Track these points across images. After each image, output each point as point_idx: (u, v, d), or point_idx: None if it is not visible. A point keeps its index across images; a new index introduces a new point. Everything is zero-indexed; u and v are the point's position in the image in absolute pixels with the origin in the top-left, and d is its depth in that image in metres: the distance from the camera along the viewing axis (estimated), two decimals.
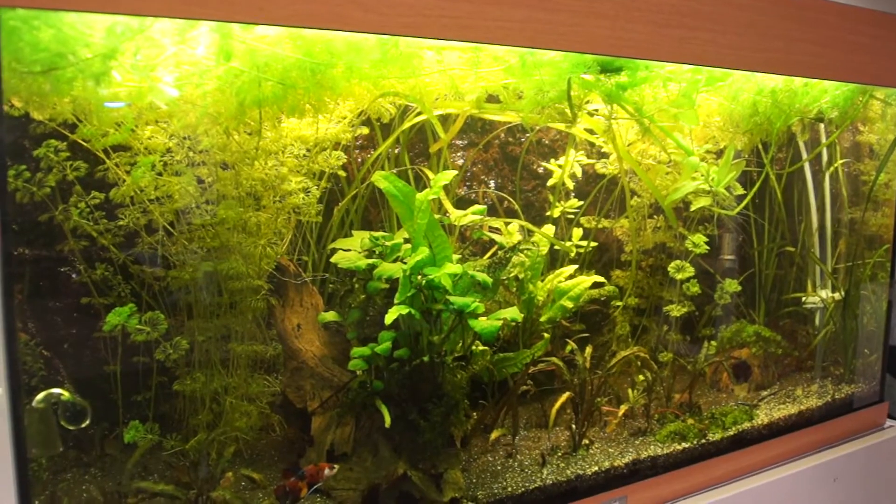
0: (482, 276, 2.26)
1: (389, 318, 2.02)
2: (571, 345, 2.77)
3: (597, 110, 2.72)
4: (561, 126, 2.68)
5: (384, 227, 2.70)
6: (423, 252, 2.12)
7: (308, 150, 2.33)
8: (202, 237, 2.19)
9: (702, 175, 2.89)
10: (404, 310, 2.06)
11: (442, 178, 2.17)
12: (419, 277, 2.14)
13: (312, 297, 2.37)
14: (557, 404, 2.59)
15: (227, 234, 2.19)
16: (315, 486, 2.01)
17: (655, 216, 3.21)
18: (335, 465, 2.04)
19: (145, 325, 1.98)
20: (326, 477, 2.03)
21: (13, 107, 1.84)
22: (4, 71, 1.45)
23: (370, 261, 2.20)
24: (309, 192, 2.27)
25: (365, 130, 2.50)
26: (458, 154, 2.95)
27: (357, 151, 2.69)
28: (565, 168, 3.02)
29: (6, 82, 1.49)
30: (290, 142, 2.28)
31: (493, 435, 2.44)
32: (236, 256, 2.20)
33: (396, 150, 2.73)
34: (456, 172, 2.24)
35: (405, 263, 2.16)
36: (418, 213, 2.15)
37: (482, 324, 2.14)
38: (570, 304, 2.81)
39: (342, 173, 2.54)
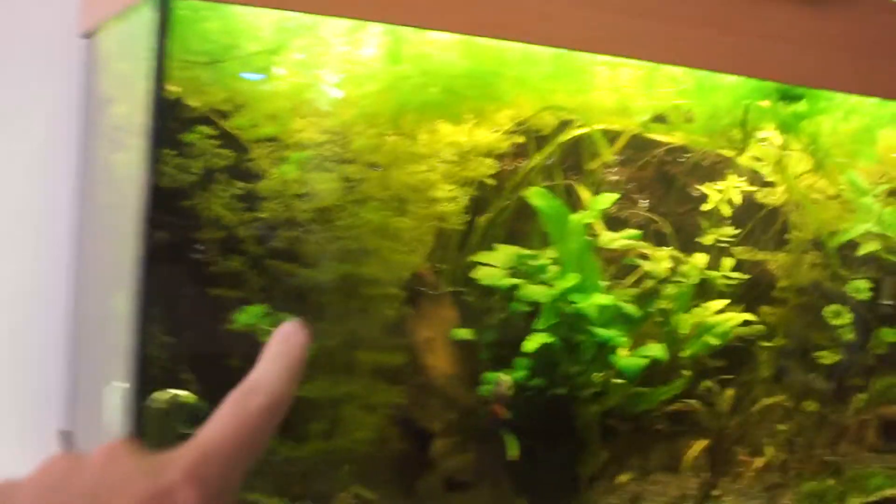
0: (630, 308, 2.10)
1: (530, 346, 1.89)
2: (710, 385, 2.58)
3: (766, 138, 2.51)
4: (730, 153, 2.48)
5: (529, 242, 2.56)
6: (574, 279, 1.98)
7: (461, 158, 2.22)
8: (342, 237, 2.12)
9: (874, 217, 2.65)
10: (548, 339, 1.92)
11: (602, 203, 2.02)
12: (565, 304, 2.00)
13: (447, 310, 2.26)
14: (694, 451, 2.41)
15: (367, 236, 2.10)
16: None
17: (813, 252, 2.96)
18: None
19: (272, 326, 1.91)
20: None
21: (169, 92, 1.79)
22: (171, 59, 1.39)
23: (514, 280, 2.07)
24: (456, 200, 2.16)
25: (520, 139, 2.36)
26: (613, 170, 2.79)
27: (507, 160, 2.56)
28: (725, 193, 2.81)
29: (172, 70, 1.43)
30: (442, 147, 2.17)
31: (621, 478, 2.28)
32: (375, 260, 2.11)
33: (549, 162, 2.59)
34: (617, 195, 2.09)
35: (551, 287, 2.03)
36: (572, 235, 2.00)
37: (626, 360, 1.99)
38: (715, 342, 2.61)
39: (491, 182, 2.41)
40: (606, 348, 2.01)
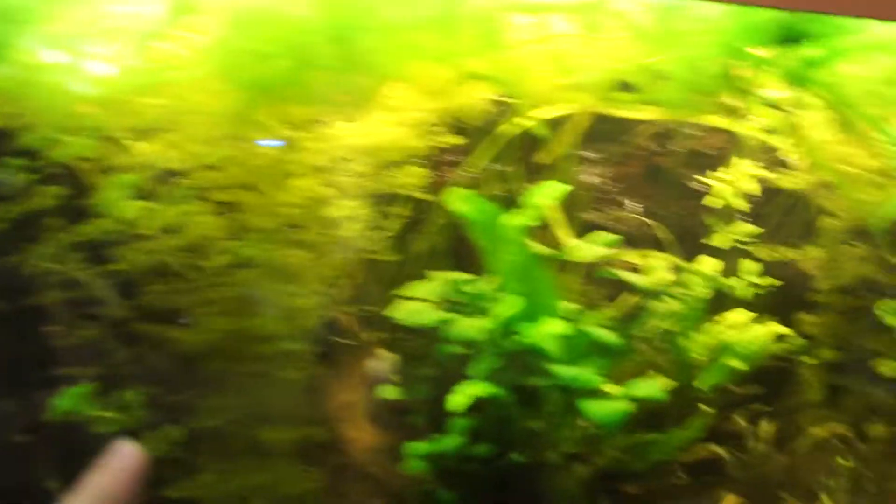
0: (604, 335, 1.57)
1: (456, 403, 1.37)
2: (740, 421, 2.03)
3: (770, 98, 1.98)
4: (725, 123, 1.94)
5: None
6: (516, 305, 1.46)
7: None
8: (216, 283, 1.63)
9: None
10: (483, 389, 1.40)
11: (542, 195, 1.50)
12: (510, 339, 1.49)
13: (375, 363, 1.75)
14: None
15: (251, 278, 1.62)
16: None
17: (856, 242, 2.39)
18: None
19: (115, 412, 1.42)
20: None
21: None
22: None
23: (443, 316, 1.56)
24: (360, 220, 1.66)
25: (455, 140, 1.86)
26: (587, 168, 2.27)
27: (442, 165, 2.06)
28: (732, 182, 2.27)
29: None
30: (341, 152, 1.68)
31: None
32: (266, 309, 1.63)
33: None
34: (567, 187, 1.56)
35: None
36: (507, 245, 1.48)
37: (601, 407, 1.46)
38: (739, 364, 2.06)
39: (427, 196, 1.91)
40: (575, 394, 1.48)
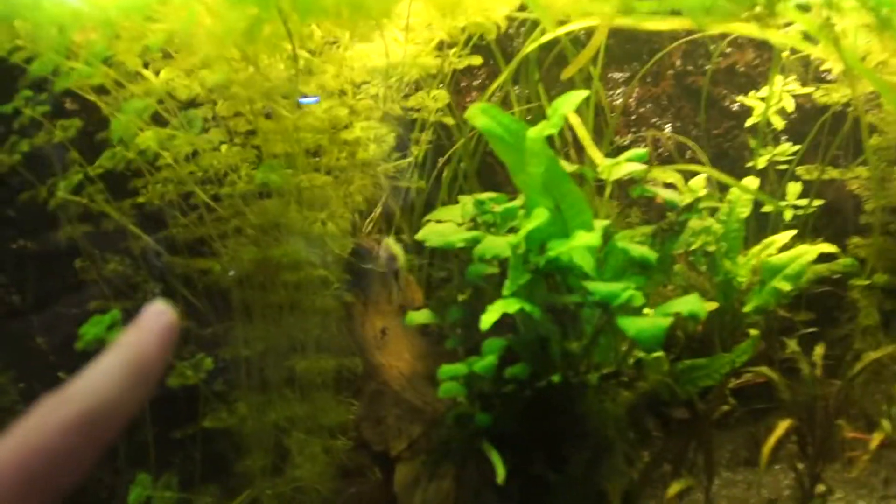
0: (640, 251, 1.50)
1: (487, 321, 1.31)
2: (792, 345, 1.94)
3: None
4: (750, 31, 1.83)
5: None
6: (541, 216, 1.39)
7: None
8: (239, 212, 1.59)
9: None
10: (513, 306, 1.34)
11: (564, 104, 1.42)
12: (538, 255, 1.42)
13: (406, 291, 1.70)
14: (773, 437, 1.77)
15: (275, 207, 1.57)
16: None
17: None
18: None
19: None
20: None
21: None
22: None
23: (470, 234, 1.50)
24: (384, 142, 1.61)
25: (475, 60, 1.78)
26: (618, 91, 2.18)
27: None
28: (770, 100, 2.17)
29: None
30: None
31: (673, 488, 1.65)
32: (294, 238, 1.59)
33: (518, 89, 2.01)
34: (586, 92, 1.49)
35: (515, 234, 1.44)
36: (532, 158, 1.42)
37: (639, 323, 1.39)
38: (787, 286, 1.96)
39: (448, 120, 1.85)
40: (614, 312, 1.41)
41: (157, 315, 0.43)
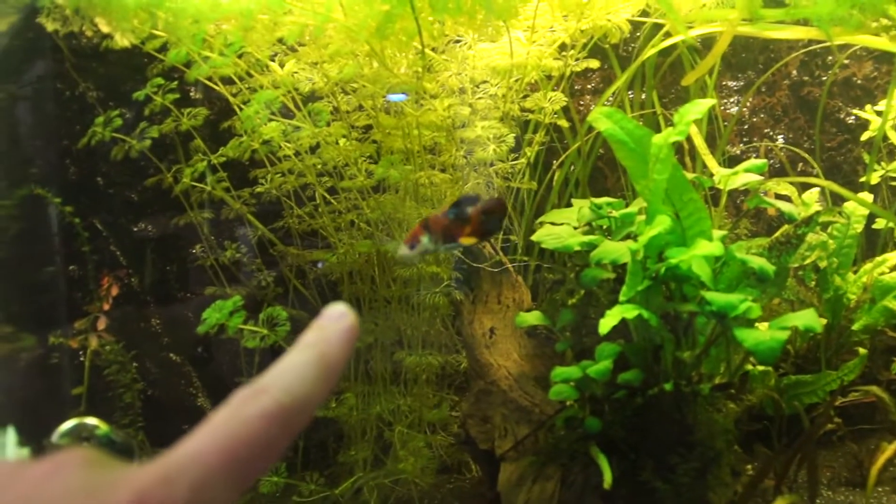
0: (758, 262, 1.48)
1: (606, 325, 1.31)
2: None
3: None
4: (877, 43, 1.78)
5: (625, 196, 1.97)
6: (663, 223, 1.38)
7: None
8: (354, 206, 1.62)
9: None
10: (631, 312, 1.33)
11: (691, 112, 1.41)
12: (657, 263, 1.42)
13: (515, 291, 1.71)
14: (882, 458, 1.73)
15: (391, 201, 1.60)
16: None
17: None
18: None
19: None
20: None
21: None
22: None
23: (588, 238, 1.50)
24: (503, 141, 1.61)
25: (593, 63, 1.78)
26: (732, 100, 2.15)
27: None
28: (887, 114, 2.11)
29: None
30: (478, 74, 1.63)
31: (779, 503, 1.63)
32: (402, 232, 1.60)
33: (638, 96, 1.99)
34: (713, 101, 1.47)
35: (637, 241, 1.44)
36: (655, 164, 1.41)
37: (756, 335, 1.37)
38: None
39: (563, 123, 1.85)
40: (730, 323, 1.39)
41: (340, 316, 0.44)
